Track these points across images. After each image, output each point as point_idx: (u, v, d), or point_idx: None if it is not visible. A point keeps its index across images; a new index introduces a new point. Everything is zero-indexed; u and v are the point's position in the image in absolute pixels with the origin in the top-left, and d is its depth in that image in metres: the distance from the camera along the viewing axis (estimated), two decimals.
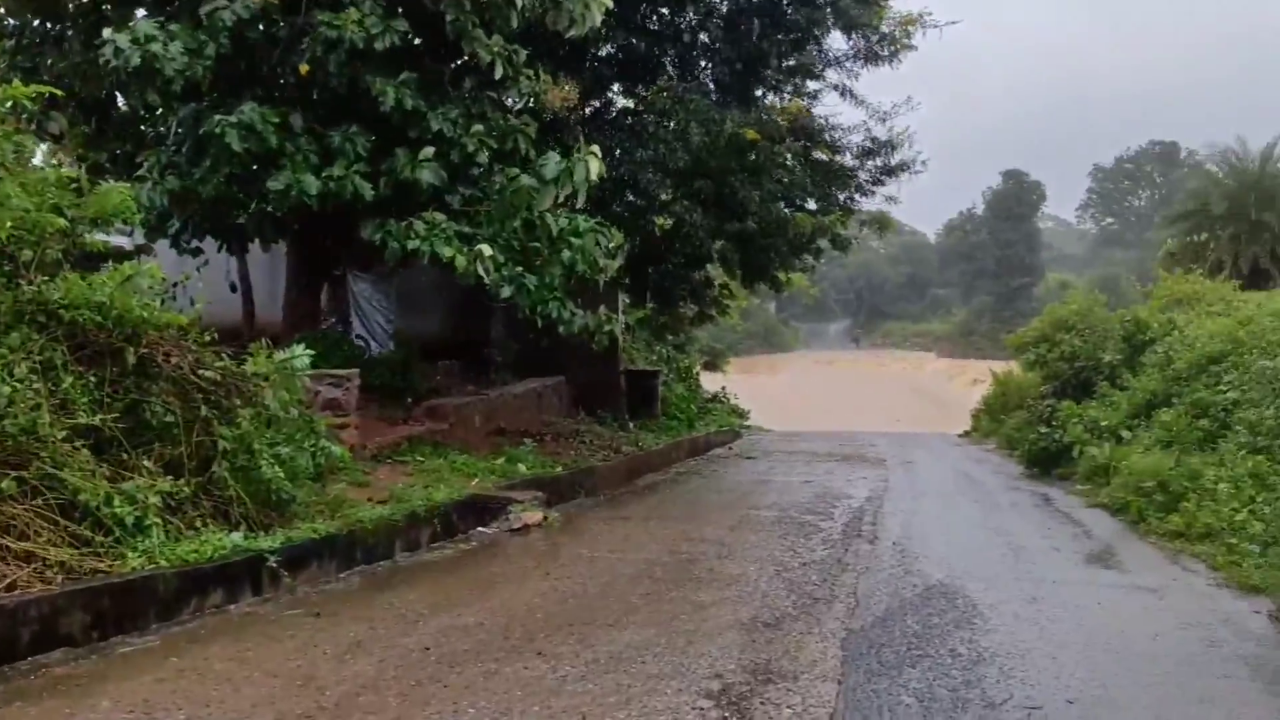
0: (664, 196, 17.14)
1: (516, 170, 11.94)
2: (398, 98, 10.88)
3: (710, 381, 30.37)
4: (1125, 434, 14.28)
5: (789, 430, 29.18)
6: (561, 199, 11.72)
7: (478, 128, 11.67)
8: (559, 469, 13.47)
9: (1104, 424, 14.82)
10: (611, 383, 20.53)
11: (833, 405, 44.57)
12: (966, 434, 28.75)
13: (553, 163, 11.53)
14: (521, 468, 12.89)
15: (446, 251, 11.62)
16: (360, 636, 5.73)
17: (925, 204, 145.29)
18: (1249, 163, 30.79)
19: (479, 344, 18.95)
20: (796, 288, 42.46)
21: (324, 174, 11.04)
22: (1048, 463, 16.39)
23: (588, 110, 17.47)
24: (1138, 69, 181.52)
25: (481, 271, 11.65)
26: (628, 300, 19.74)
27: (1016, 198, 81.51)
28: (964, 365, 67.16)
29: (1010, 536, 10.13)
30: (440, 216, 11.90)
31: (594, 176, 11.27)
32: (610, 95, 17.63)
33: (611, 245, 20.28)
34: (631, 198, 18.62)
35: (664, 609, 6.51)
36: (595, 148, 11.49)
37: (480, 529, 10.04)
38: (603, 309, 12.98)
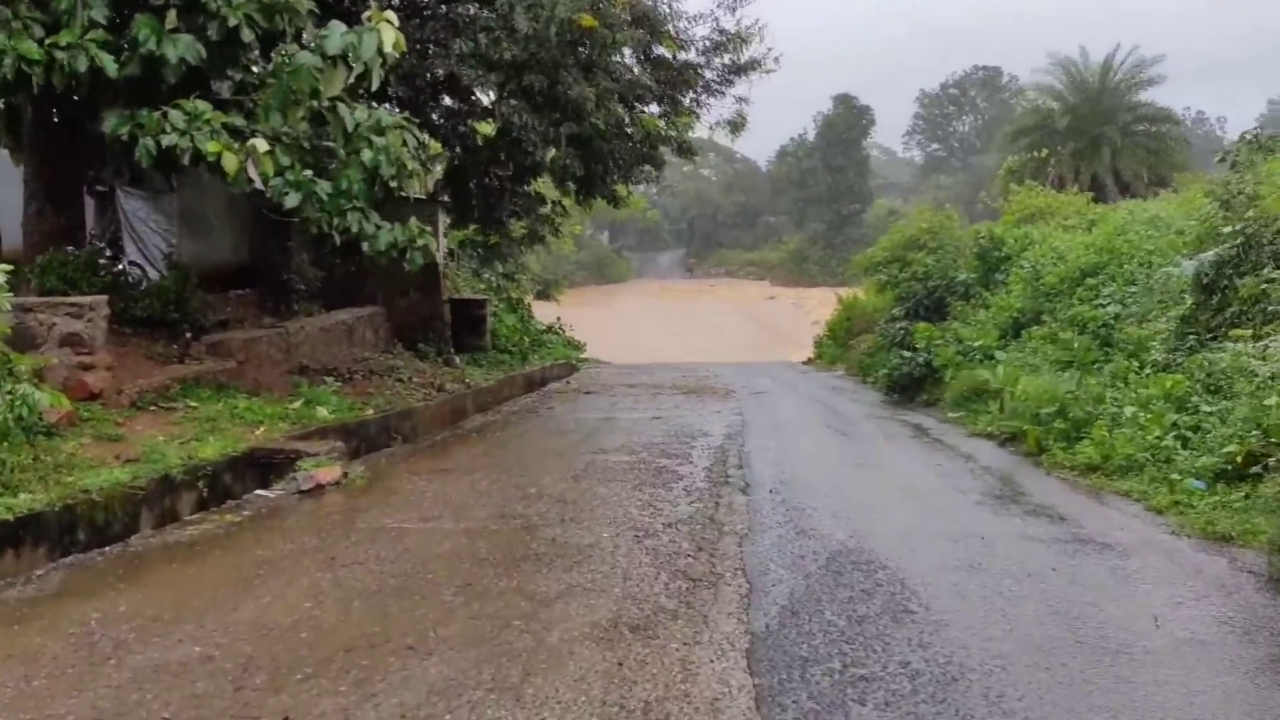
0: (488, 99, 14.90)
1: (295, 47, 9.56)
2: None
3: (544, 312, 28.39)
4: (1000, 354, 13.18)
5: (628, 363, 27.62)
6: (352, 80, 9.41)
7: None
8: (369, 412, 11.37)
9: (976, 344, 13.68)
10: (434, 313, 18.32)
11: (670, 335, 43.28)
12: (809, 361, 27.85)
13: (337, 34, 9.17)
14: (322, 411, 10.71)
15: (211, 148, 9.18)
16: None
17: (757, 133, 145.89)
18: (1089, 76, 30.70)
19: (280, 270, 16.37)
20: (634, 210, 40.80)
21: (48, 42, 8.51)
22: (910, 389, 15.27)
23: None
24: None
25: (255, 175, 9.29)
26: (449, 220, 17.44)
27: (847, 123, 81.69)
28: (800, 293, 67.31)
29: (900, 476, 8.68)
30: (205, 105, 9.43)
31: (389, 49, 9.01)
32: None
33: (429, 152, 17.98)
34: (450, 101, 16.27)
35: (489, 611, 4.61)
36: (390, 15, 9.20)
37: (260, 492, 7.88)
38: (414, 221, 10.73)
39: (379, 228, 10.38)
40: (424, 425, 12.26)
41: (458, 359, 17.12)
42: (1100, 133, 28.84)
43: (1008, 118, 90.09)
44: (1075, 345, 10.09)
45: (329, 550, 5.76)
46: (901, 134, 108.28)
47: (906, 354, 15.42)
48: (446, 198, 16.87)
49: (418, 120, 16.91)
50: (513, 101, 13.55)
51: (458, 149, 16.80)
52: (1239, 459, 6.84)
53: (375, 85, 9.50)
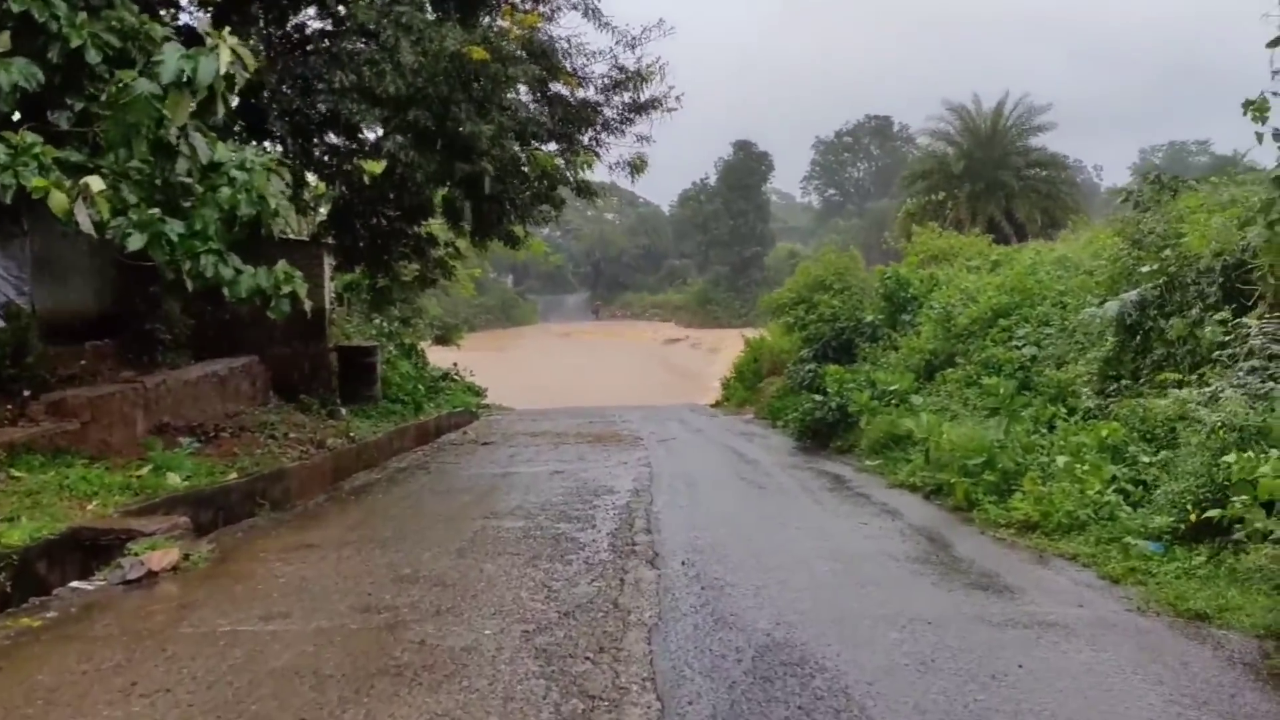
0: (374, 135, 13.90)
1: (133, 73, 8.46)
2: None
3: (445, 358, 27.20)
4: (916, 399, 12.59)
5: (533, 408, 26.56)
6: (194, 106, 8.31)
7: (84, 17, 8.12)
8: (232, 475, 10.20)
9: (892, 389, 13.07)
10: (319, 361, 17.10)
11: (576, 379, 42.32)
12: (717, 404, 27.17)
13: (172, 58, 8.06)
14: (173, 478, 9.50)
15: (36, 184, 7.97)
16: None
17: (659, 177, 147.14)
18: (982, 122, 31.07)
19: (145, 318, 15.01)
20: (535, 253, 39.79)
21: None
22: (824, 434, 14.59)
23: (268, 28, 13.97)
24: (849, 49, 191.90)
25: (83, 218, 8.11)
26: (334, 263, 16.27)
27: (747, 168, 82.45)
28: (704, 334, 67.09)
29: (826, 539, 7.85)
30: (34, 138, 8.22)
31: (223, 68, 7.93)
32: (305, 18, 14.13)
33: (313, 191, 16.80)
34: (335, 139, 15.20)
35: None
36: (231, 36, 8.16)
37: (76, 584, 6.64)
38: (282, 265, 9.60)
39: (239, 272, 9.22)
40: (298, 488, 11.08)
41: (344, 411, 15.91)
42: (995, 177, 29.14)
43: (900, 164, 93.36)
44: (1000, 390, 9.48)
45: (134, 670, 4.60)
46: (799, 179, 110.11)
47: (818, 398, 14.76)
48: (331, 239, 15.72)
49: (298, 160, 15.89)
50: (398, 138, 12.55)
51: (343, 188, 15.73)
52: (1193, 518, 6.20)
53: (221, 112, 8.42)
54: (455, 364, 24.97)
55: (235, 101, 9.24)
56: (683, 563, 6.96)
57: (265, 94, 12.90)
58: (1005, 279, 13.58)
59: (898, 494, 9.91)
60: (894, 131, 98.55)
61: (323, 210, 16.23)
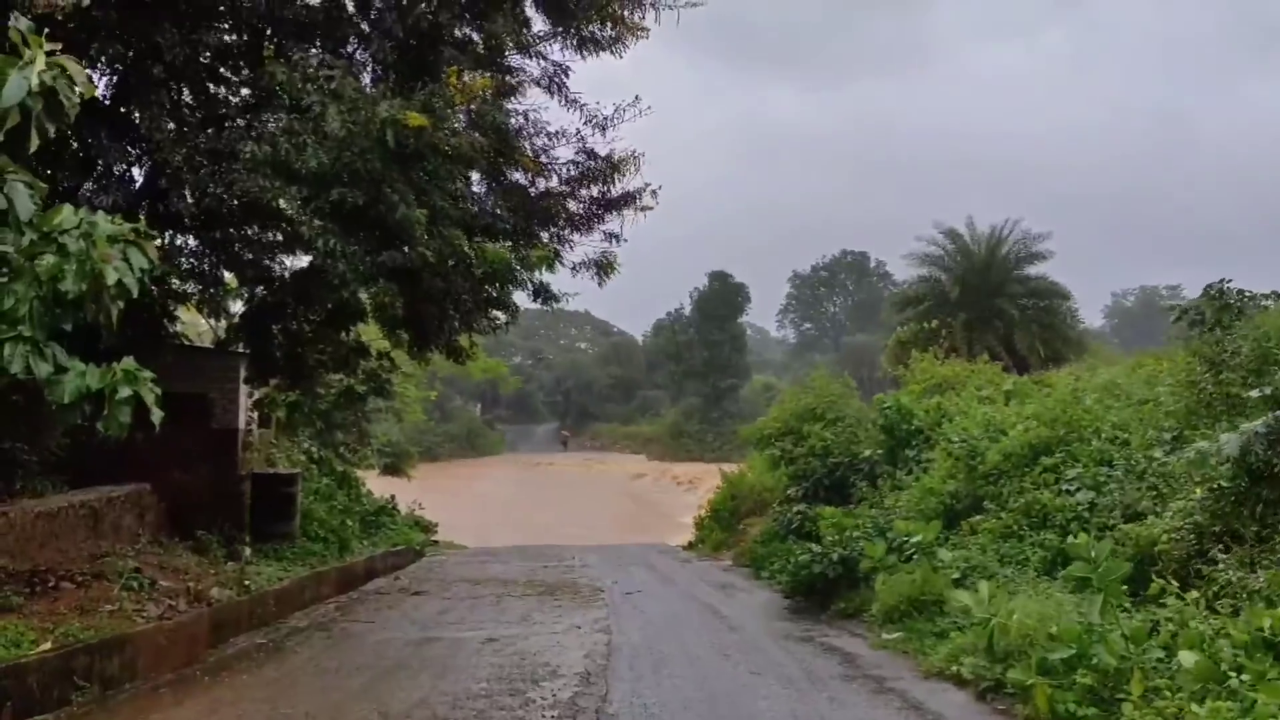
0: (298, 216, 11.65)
1: None
2: None
3: (403, 492, 24.59)
4: (943, 553, 10.13)
5: (484, 547, 23.79)
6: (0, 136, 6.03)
7: None
8: (44, 646, 7.57)
9: (913, 540, 10.59)
10: (229, 490, 14.52)
11: (537, 513, 39.40)
12: (690, 546, 24.40)
13: None
14: None
15: None
16: None
17: (632, 307, 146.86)
18: (977, 246, 29.50)
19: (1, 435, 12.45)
20: (494, 375, 37.53)
21: None
22: (821, 593, 12.05)
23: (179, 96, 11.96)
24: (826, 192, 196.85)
25: None
26: (246, 373, 13.81)
27: (722, 298, 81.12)
28: (677, 468, 64.37)
29: None
30: None
31: (34, 84, 5.69)
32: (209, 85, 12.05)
33: (225, 289, 14.44)
34: (254, 231, 12.98)
35: None
36: (52, 49, 5.96)
37: None
38: (127, 362, 7.09)
39: (62, 369, 6.71)
40: (147, 661, 8.44)
41: (248, 552, 13.25)
42: (993, 305, 27.39)
43: (877, 300, 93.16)
44: (1086, 550, 6.97)
45: None
46: (775, 313, 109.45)
47: (816, 548, 12.23)
48: (241, 345, 13.32)
49: (212, 254, 13.57)
50: (318, 222, 10.30)
51: (259, 288, 13.44)
52: None
53: (35, 145, 6.12)
54: (391, 496, 22.24)
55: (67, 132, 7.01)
56: None
57: (168, 173, 10.73)
58: (1044, 408, 11.31)
59: (941, 689, 7.34)
60: (870, 267, 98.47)
61: (236, 308, 13.85)
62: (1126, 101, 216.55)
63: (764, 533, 18.04)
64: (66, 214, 6.56)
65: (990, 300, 27.57)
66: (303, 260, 12.48)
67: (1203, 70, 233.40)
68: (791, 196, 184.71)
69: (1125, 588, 6.89)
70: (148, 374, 6.82)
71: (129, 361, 7.17)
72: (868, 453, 16.55)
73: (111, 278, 6.80)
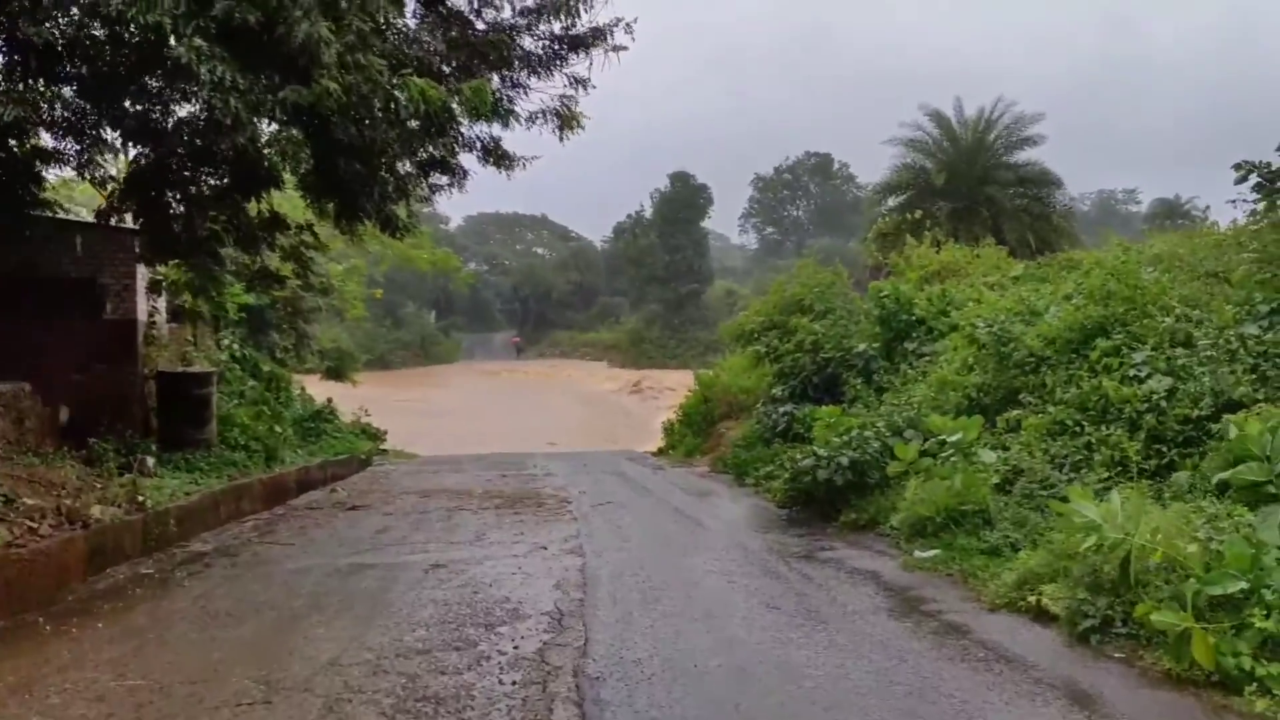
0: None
1: None
2: None
3: (350, 400, 22.51)
4: (985, 454, 8.35)
5: (439, 455, 21.89)
6: None
7: None
8: None
9: (951, 439, 8.77)
10: (128, 392, 12.50)
11: (499, 420, 37.51)
12: (660, 452, 22.69)
13: None
14: None
15: None
16: None
17: (592, 213, 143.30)
18: (964, 130, 27.40)
19: None
20: (446, 270, 34.92)
21: None
22: (824, 502, 10.30)
23: None
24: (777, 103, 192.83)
25: None
26: (139, 250, 11.53)
27: (684, 200, 78.29)
28: (639, 374, 62.67)
29: None
30: None
31: None
32: None
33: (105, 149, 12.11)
34: (155, 83, 10.53)
35: None
36: None
37: None
38: None
39: None
40: None
41: (152, 462, 11.21)
42: (981, 193, 25.44)
43: (841, 203, 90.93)
44: (1265, 448, 5.09)
45: None
46: (737, 217, 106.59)
47: (821, 451, 10.42)
48: (130, 216, 11.05)
49: (87, 101, 11.13)
50: (199, 42, 7.98)
51: (148, 146, 11.07)
52: None
53: None
54: (329, 399, 20.17)
55: None
56: None
57: None
58: (1092, 285, 9.45)
59: (1022, 628, 5.59)
60: (834, 170, 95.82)
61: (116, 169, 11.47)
62: (1076, 9, 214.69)
63: (745, 436, 16.29)
64: None
65: (979, 188, 25.61)
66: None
67: None
68: (752, 105, 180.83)
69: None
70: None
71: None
72: (862, 346, 14.73)
73: None
